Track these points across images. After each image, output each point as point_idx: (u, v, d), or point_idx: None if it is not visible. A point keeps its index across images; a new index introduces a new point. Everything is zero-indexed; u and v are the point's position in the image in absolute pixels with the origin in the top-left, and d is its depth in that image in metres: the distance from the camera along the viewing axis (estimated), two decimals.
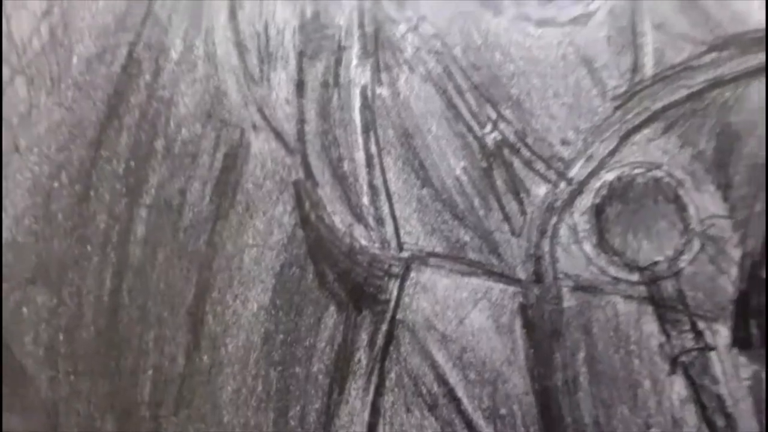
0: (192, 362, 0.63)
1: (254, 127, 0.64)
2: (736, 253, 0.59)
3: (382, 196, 0.63)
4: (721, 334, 0.59)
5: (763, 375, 0.61)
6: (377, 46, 0.64)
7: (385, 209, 0.63)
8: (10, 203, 0.65)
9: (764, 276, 0.60)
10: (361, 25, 0.64)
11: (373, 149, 0.63)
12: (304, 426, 0.62)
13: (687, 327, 0.59)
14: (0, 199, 0.67)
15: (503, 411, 0.61)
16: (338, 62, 0.64)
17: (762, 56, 0.63)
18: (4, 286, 0.66)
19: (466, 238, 0.62)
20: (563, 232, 0.61)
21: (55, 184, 0.65)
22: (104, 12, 0.66)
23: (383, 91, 0.63)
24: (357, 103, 0.64)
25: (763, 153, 0.61)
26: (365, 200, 0.63)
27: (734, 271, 0.59)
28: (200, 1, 0.67)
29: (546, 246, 0.61)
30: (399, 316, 0.62)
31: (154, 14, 0.66)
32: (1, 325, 0.66)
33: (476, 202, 0.62)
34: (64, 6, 0.68)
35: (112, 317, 0.64)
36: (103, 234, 0.64)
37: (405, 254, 0.63)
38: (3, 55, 0.67)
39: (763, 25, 0.64)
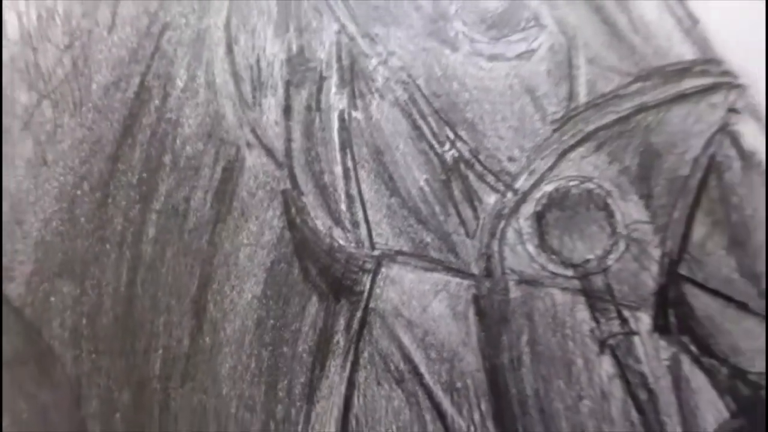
0: (196, 343, 0.65)
1: (248, 144, 0.67)
2: (656, 253, 0.63)
3: (357, 204, 0.66)
4: (644, 321, 0.63)
5: (680, 356, 0.64)
6: (353, 76, 0.67)
7: (360, 214, 0.66)
8: (40, 208, 0.67)
9: (680, 272, 0.63)
10: (339, 59, 0.67)
11: (350, 164, 0.66)
12: (291, 397, 0.65)
13: (614, 315, 0.63)
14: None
15: (459, 384, 0.64)
16: (319, 90, 0.67)
17: (682, 84, 0.65)
18: (35, 278, 0.67)
19: (428, 239, 0.65)
20: (510, 234, 0.64)
21: (78, 192, 0.67)
22: (119, 46, 0.68)
23: (358, 114, 0.66)
24: (335, 124, 0.67)
25: (681, 168, 0.64)
26: (343, 207, 0.66)
27: (654, 268, 0.63)
28: (201, 37, 0.69)
29: (495, 246, 0.64)
30: (371, 305, 0.65)
31: (162, 48, 0.69)
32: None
33: (437, 208, 0.65)
34: (84, 41, 0.69)
35: (127, 305, 0.66)
36: (120, 235, 0.67)
37: (376, 253, 0.66)
38: (32, 82, 0.68)
39: (682, 59, 0.66)
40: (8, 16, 0.69)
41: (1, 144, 0.70)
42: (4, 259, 0.67)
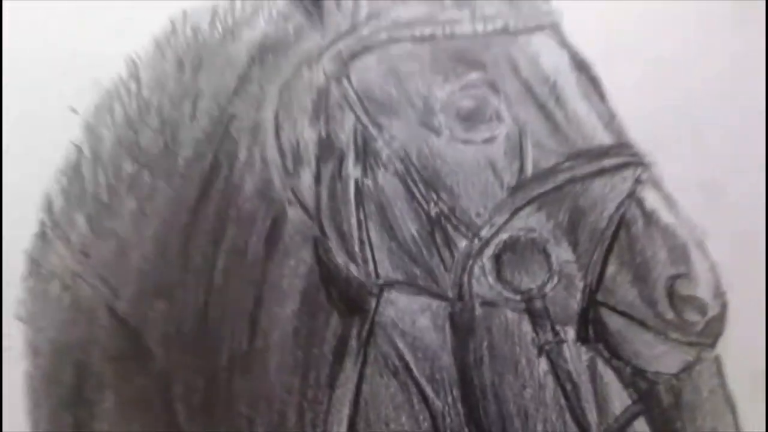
0: (252, 345, 0.72)
1: (289, 202, 0.72)
2: (580, 285, 0.68)
3: (367, 246, 0.71)
4: (570, 333, 0.70)
5: (596, 359, 0.71)
6: (365, 154, 0.71)
7: (369, 254, 0.72)
8: (140, 247, 0.72)
9: (597, 298, 0.69)
10: (355, 141, 0.71)
11: (362, 217, 0.71)
12: (318, 384, 0.72)
13: (549, 328, 0.70)
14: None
15: (437, 377, 0.72)
16: (341, 164, 0.71)
17: (603, 163, 0.69)
18: (136, 298, 0.72)
19: (417, 272, 0.71)
20: (476, 269, 0.69)
21: (168, 236, 0.72)
22: (198, 131, 0.73)
23: (368, 181, 0.71)
24: (352, 189, 0.71)
25: (599, 223, 0.68)
26: (356, 248, 0.72)
27: (578, 295, 0.68)
28: (258, 125, 0.73)
29: (465, 278, 0.70)
30: (376, 319, 0.72)
31: (229, 133, 0.73)
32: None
33: (424, 250, 0.71)
34: (172, 126, 0.73)
35: (203, 317, 0.72)
36: (198, 267, 0.73)
37: (380, 282, 0.72)
38: (134, 155, 0.72)
39: (603, 144, 0.71)
40: (116, 105, 0.73)
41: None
42: (114, 282, 0.72)
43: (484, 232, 0.70)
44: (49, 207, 0.73)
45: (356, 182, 0.72)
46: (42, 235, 0.73)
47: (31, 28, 0.76)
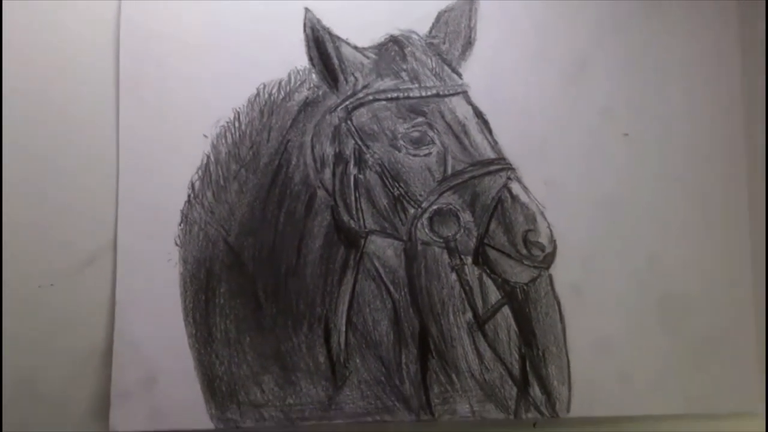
0: (297, 261, 0.71)
1: (318, 187, 0.74)
2: (475, 234, 0.71)
3: (360, 212, 0.74)
4: (469, 260, 0.73)
5: (483, 274, 0.70)
6: (360, 160, 0.74)
7: (360, 216, 0.73)
8: (241, 208, 0.72)
9: (484, 241, 0.71)
10: (354, 153, 0.74)
11: (357, 195, 0.74)
12: (333, 283, 0.74)
13: (457, 257, 0.73)
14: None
15: (396, 281, 0.75)
16: (346, 166, 0.74)
17: (490, 168, 0.69)
18: (238, 235, 0.70)
19: (387, 225, 0.74)
20: (419, 224, 0.72)
21: (254, 204, 0.73)
22: (270, 148, 0.74)
23: (361, 176, 0.74)
24: (352, 180, 0.74)
25: (487, 200, 0.69)
26: (354, 212, 0.74)
27: (474, 239, 0.71)
28: (302, 144, 0.74)
29: (413, 229, 0.73)
30: (364, 250, 0.74)
31: (287, 149, 0.74)
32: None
33: (391, 214, 0.73)
34: (255, 150, 0.72)
35: (272, 247, 0.71)
36: (270, 220, 0.72)
37: (366, 230, 0.74)
38: (237, 159, 0.70)
39: (490, 157, 0.71)
40: (228, 133, 0.72)
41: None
42: (227, 227, 0.71)
43: (424, 205, 0.72)
44: (192, 187, 0.74)
45: (354, 177, 0.74)
46: (189, 202, 0.74)
47: (183, 88, 0.75)
